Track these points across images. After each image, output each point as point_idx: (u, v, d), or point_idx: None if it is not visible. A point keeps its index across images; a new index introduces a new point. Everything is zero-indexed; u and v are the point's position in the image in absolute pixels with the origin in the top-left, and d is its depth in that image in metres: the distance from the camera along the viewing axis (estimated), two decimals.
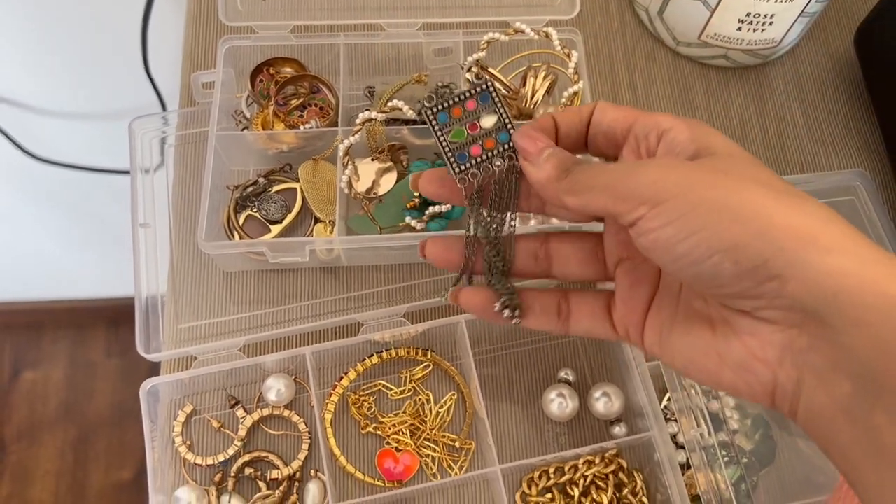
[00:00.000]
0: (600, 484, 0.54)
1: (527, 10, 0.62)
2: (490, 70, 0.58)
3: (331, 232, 0.57)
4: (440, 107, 0.40)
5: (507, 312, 0.39)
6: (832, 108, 0.69)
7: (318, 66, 0.63)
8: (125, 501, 1.42)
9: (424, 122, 0.40)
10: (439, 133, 0.39)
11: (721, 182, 0.29)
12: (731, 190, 0.29)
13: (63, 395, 1.49)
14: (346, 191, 0.56)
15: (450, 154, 0.39)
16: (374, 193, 0.57)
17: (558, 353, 0.58)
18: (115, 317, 1.52)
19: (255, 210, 0.58)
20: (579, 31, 0.60)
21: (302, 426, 0.54)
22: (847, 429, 0.27)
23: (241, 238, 0.57)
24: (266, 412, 0.55)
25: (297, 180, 0.59)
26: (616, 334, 0.38)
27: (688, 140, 0.33)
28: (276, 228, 0.58)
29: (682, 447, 0.54)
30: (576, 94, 0.59)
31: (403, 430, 0.55)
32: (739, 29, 0.63)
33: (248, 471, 0.53)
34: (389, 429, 0.55)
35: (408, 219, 0.56)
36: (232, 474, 0.53)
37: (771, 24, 0.62)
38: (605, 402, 0.55)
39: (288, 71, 0.62)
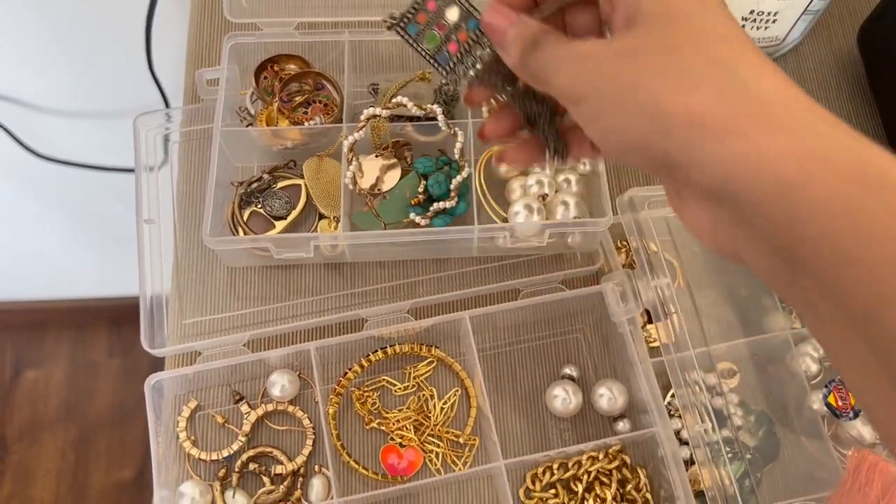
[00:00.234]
0: (604, 480, 0.54)
1: None
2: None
3: (335, 228, 0.58)
4: (407, 19, 0.39)
5: (557, 158, 0.38)
6: (835, 105, 0.69)
7: (322, 62, 0.63)
8: (126, 501, 1.42)
9: (405, 41, 0.39)
10: (415, 44, 0.39)
11: (625, 71, 0.28)
12: (632, 79, 0.28)
13: (64, 394, 1.49)
14: (351, 187, 0.56)
15: (432, 60, 0.39)
16: (379, 190, 0.57)
17: (562, 349, 0.58)
18: (117, 316, 1.52)
19: (259, 206, 0.58)
20: None
21: (306, 422, 0.55)
22: (784, 288, 0.28)
23: (245, 234, 0.57)
24: (270, 408, 0.55)
25: (302, 177, 0.59)
26: None
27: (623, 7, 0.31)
28: (280, 224, 0.58)
29: (686, 443, 0.54)
30: None
31: (407, 426, 0.55)
32: (743, 26, 0.63)
33: (252, 466, 0.54)
34: (393, 424, 0.55)
35: (412, 215, 0.56)
36: (236, 469, 0.53)
37: (774, 21, 0.63)
38: (608, 398, 0.55)
39: (292, 68, 0.62)
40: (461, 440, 0.55)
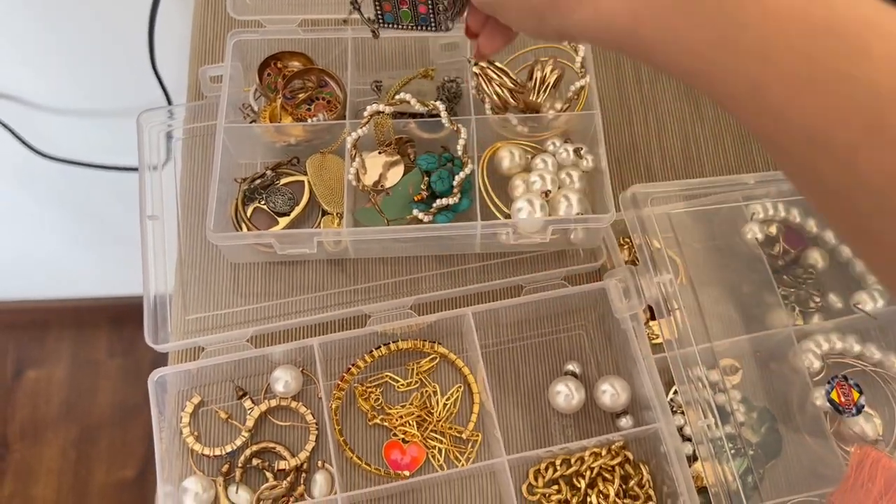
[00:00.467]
0: (607, 476, 0.54)
1: None
2: (496, 64, 0.59)
3: (338, 224, 0.58)
4: (378, 13, 0.45)
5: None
6: None
7: (325, 60, 0.63)
8: (127, 500, 1.42)
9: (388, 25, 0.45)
10: (399, 27, 0.45)
11: None
12: None
13: (65, 393, 1.49)
14: (354, 183, 0.56)
15: (418, 28, 0.44)
16: (382, 186, 0.57)
17: (565, 345, 0.59)
18: (118, 316, 1.52)
19: (262, 202, 0.58)
20: None
21: (309, 417, 0.55)
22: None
23: (248, 230, 0.58)
24: (273, 403, 0.55)
25: (305, 173, 0.59)
26: None
27: None
28: (283, 221, 0.58)
29: (689, 439, 0.54)
30: (582, 88, 0.59)
31: (410, 422, 0.55)
32: None
33: (255, 461, 0.54)
34: (396, 420, 0.55)
35: (415, 211, 0.56)
36: (239, 465, 0.53)
37: None
38: (611, 394, 0.55)
39: (295, 65, 0.62)
40: (464, 436, 0.55)
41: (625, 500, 0.53)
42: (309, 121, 0.59)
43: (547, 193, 0.57)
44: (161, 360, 0.56)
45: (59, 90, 0.99)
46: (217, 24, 0.67)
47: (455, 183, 0.56)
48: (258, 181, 0.59)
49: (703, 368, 0.52)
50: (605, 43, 0.34)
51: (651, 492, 0.54)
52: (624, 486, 0.54)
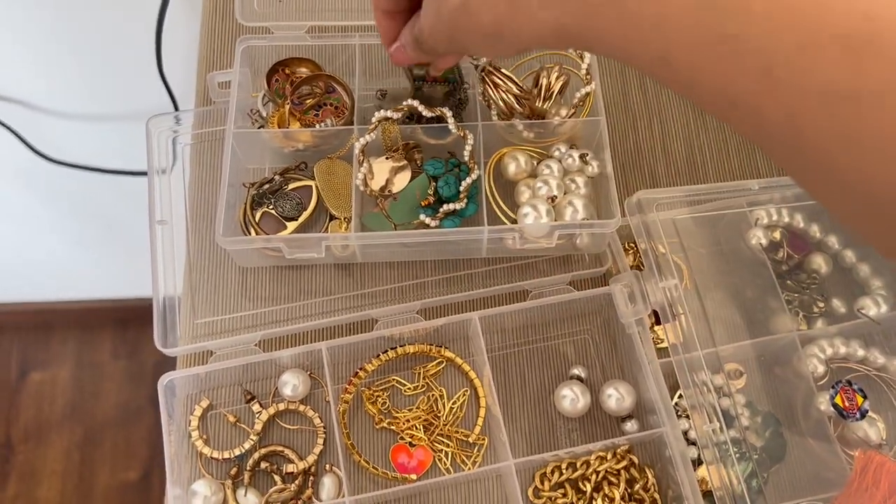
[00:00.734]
0: (612, 479, 0.54)
1: None
2: (502, 70, 0.59)
3: (346, 229, 0.58)
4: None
5: None
6: None
7: (333, 66, 0.64)
8: (131, 501, 1.42)
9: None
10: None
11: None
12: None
13: (70, 395, 1.50)
14: (362, 188, 0.57)
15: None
16: (389, 191, 0.58)
17: (570, 349, 0.59)
18: (123, 318, 1.53)
19: (270, 207, 0.59)
20: None
21: (317, 421, 0.55)
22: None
23: (257, 234, 0.58)
24: (281, 407, 0.55)
25: (313, 178, 0.60)
26: None
27: None
28: (291, 225, 0.59)
29: (694, 443, 0.54)
30: (588, 94, 0.59)
31: (417, 426, 0.55)
32: None
33: (263, 465, 0.54)
34: (403, 424, 0.56)
35: (422, 216, 0.56)
36: (248, 468, 0.54)
37: None
38: (616, 398, 0.56)
39: (303, 71, 0.62)
40: (470, 440, 0.55)
41: None
42: (317, 126, 0.59)
43: (553, 199, 0.57)
44: (165, 362, 0.57)
45: (66, 95, 1.00)
46: (225, 31, 0.68)
47: (462, 188, 0.57)
48: (266, 186, 0.59)
49: (707, 373, 0.53)
50: (552, 48, 0.38)
51: (656, 495, 0.54)
52: (629, 490, 0.54)
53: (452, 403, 0.57)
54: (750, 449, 0.53)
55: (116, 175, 1.10)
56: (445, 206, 0.56)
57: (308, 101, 0.61)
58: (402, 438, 0.55)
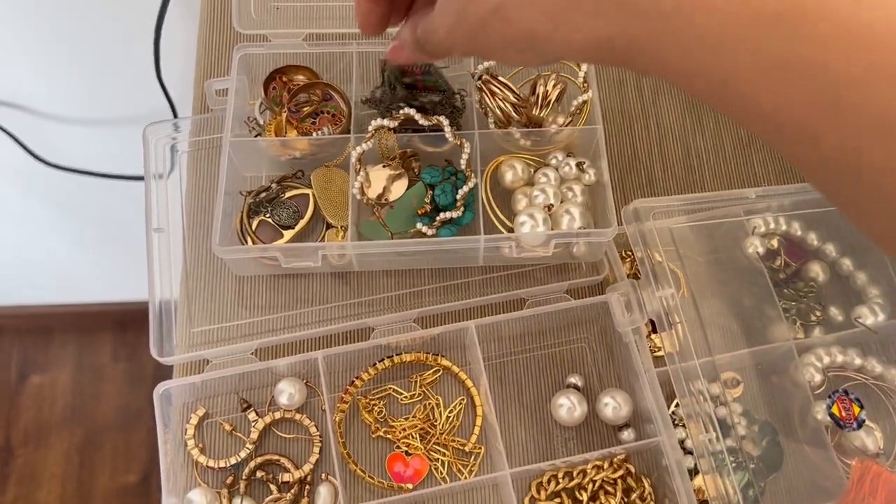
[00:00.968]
0: (608, 489, 0.54)
1: None
2: (500, 78, 0.59)
3: (343, 237, 0.58)
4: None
5: None
6: None
7: (330, 73, 0.64)
8: None
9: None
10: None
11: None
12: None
13: (70, 398, 1.50)
14: (359, 197, 0.57)
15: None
16: (386, 200, 0.58)
17: (567, 358, 0.59)
18: (122, 321, 1.53)
19: (267, 216, 0.59)
20: None
21: (313, 430, 0.55)
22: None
23: (253, 243, 0.58)
24: (278, 416, 0.55)
25: (310, 186, 0.60)
26: None
27: None
28: (288, 234, 0.59)
29: (690, 452, 0.54)
30: (585, 102, 0.59)
31: (413, 434, 0.55)
32: None
33: (259, 474, 0.54)
34: (400, 433, 0.55)
35: (419, 225, 0.56)
36: (244, 477, 0.54)
37: None
38: (613, 407, 0.55)
39: (301, 78, 0.62)
40: (467, 448, 0.55)
41: None
42: (314, 134, 0.59)
43: (550, 207, 0.57)
44: (165, 366, 0.57)
45: (65, 99, 1.00)
46: (222, 38, 0.68)
47: (458, 196, 0.57)
48: (263, 194, 0.59)
49: (704, 381, 0.52)
50: (588, 62, 0.35)
51: None
52: (626, 500, 0.54)
53: (449, 412, 0.56)
54: (747, 458, 0.53)
55: (116, 179, 1.10)
56: (442, 215, 0.56)
57: (305, 109, 0.61)
58: (398, 447, 0.55)
